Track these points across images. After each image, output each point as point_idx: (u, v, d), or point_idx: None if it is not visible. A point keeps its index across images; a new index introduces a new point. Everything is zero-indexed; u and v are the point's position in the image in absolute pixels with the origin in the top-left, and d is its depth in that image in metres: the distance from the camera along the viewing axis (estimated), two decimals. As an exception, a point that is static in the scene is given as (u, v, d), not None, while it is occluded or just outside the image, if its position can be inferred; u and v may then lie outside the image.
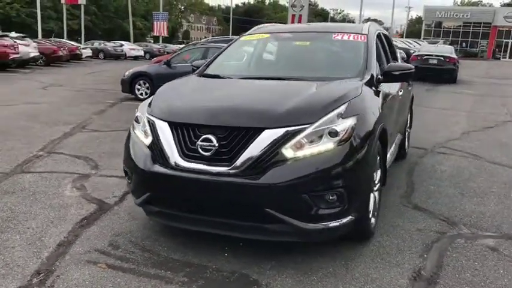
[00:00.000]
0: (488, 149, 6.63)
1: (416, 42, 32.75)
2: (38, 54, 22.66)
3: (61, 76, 18.35)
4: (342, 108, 3.05)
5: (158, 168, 3.04)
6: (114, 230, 3.57)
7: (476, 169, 5.54)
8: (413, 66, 4.00)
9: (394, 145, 4.74)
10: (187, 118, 3.11)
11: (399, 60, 5.60)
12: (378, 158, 3.50)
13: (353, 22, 55.57)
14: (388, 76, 3.89)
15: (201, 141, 2.95)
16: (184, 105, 3.29)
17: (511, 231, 3.72)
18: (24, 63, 21.38)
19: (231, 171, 2.87)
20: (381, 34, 4.84)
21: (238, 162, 2.86)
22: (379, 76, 3.90)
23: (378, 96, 3.72)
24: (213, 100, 3.35)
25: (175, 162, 3.00)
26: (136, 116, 3.42)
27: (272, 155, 2.85)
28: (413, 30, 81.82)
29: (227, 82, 3.89)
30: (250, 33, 4.77)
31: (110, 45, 35.62)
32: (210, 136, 2.93)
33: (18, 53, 20.04)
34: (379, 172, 3.60)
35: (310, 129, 2.90)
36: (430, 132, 7.76)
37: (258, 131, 2.89)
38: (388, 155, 4.29)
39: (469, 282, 2.91)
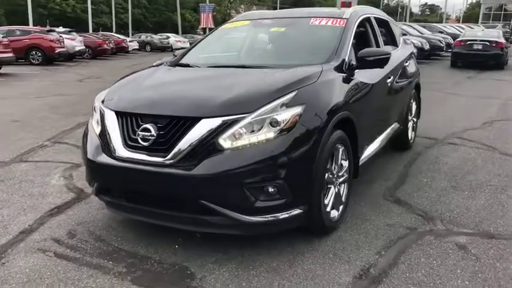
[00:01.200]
0: (506, 140, 6.19)
1: (470, 27, 31.18)
2: (83, 47, 23.56)
3: (102, 69, 18.94)
4: (287, 97, 2.92)
5: (103, 158, 3.04)
6: (79, 219, 3.62)
7: (483, 161, 5.18)
8: (389, 52, 3.77)
9: (383, 135, 4.52)
10: (130, 107, 3.08)
11: (399, 47, 5.31)
12: (342, 148, 3.33)
13: (405, 8, 53.50)
14: (362, 62, 3.68)
15: (141, 130, 2.92)
16: (132, 94, 3.27)
17: (490, 228, 3.44)
18: (70, 57, 22.27)
19: (166, 161, 2.82)
20: (371, 19, 4.59)
21: (174, 152, 2.80)
22: (353, 62, 3.70)
23: (348, 83, 3.53)
24: (161, 89, 3.31)
25: (117, 152, 2.98)
26: (93, 106, 3.43)
27: (208, 146, 2.77)
28: (472, 14, 78.03)
29: (189, 71, 3.82)
30: (232, 21, 4.67)
31: (156, 38, 36.41)
32: (148, 126, 2.89)
33: (63, 47, 20.89)
34: (345, 163, 3.43)
35: (248, 119, 2.79)
36: (450, 121, 7.35)
37: (195, 120, 2.82)
38: (369, 146, 4.09)
39: (418, 282, 2.71)
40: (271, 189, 2.80)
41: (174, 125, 2.85)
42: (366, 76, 3.87)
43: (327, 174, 3.15)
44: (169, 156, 2.81)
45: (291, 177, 2.83)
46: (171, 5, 57.14)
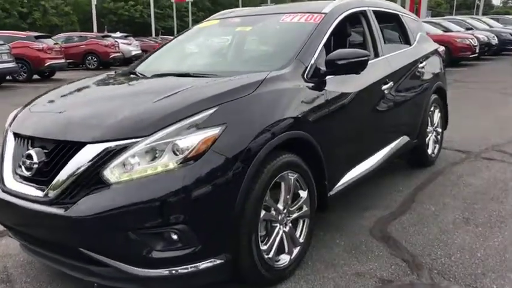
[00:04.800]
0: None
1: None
2: (139, 51, 23.92)
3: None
4: (200, 116, 2.28)
5: (-7, 188, 2.57)
6: (6, 251, 3.20)
7: (519, 184, 4.20)
8: (367, 54, 2.99)
9: (379, 154, 3.72)
10: (23, 128, 2.59)
11: (412, 45, 4.44)
12: (294, 177, 2.64)
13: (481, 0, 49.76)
14: (332, 67, 2.94)
15: (26, 157, 2.40)
16: (36, 111, 2.77)
17: (493, 286, 2.58)
18: (126, 61, 22.68)
19: (43, 197, 2.28)
20: (367, 13, 3.79)
21: (52, 185, 2.26)
22: (322, 67, 2.98)
23: (310, 94, 2.83)
24: (68, 106, 2.77)
25: (6, 183, 2.50)
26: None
27: (91, 178, 2.19)
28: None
29: (122, 83, 3.25)
30: (206, 20, 4.07)
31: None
32: (32, 151, 2.37)
33: (118, 52, 21.32)
34: (303, 194, 2.73)
35: (142, 145, 2.19)
36: (496, 130, 6.25)
37: (81, 146, 2.26)
38: (353, 170, 3.34)
39: None
40: (172, 236, 2.18)
41: (58, 152, 2.32)
42: (345, 83, 3.14)
43: (263, 212, 2.47)
44: (46, 191, 2.27)
45: (198, 221, 2.20)
46: (234, 5, 57.40)
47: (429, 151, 4.67)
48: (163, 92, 2.55)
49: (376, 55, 3.75)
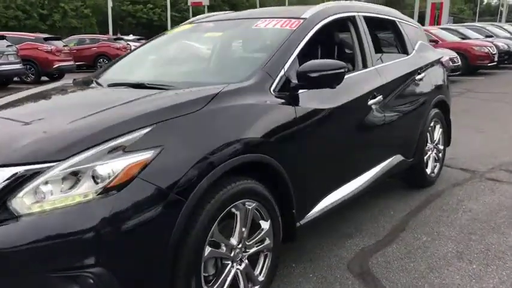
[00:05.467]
0: None
1: None
2: (152, 54, 23.79)
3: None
4: (128, 138, 1.95)
5: None
6: None
7: (526, 210, 3.76)
8: (343, 66, 2.62)
9: (365, 175, 3.34)
10: None
11: (410, 54, 4.04)
12: (253, 205, 2.29)
13: (505, 6, 48.65)
14: (304, 79, 2.58)
15: None
16: None
17: None
18: (139, 64, 22.60)
19: None
20: (356, 19, 3.42)
21: None
22: (292, 79, 2.63)
23: (276, 110, 2.48)
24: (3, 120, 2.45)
25: None
26: None
27: (-4, 208, 1.87)
28: None
29: (72, 93, 2.92)
30: (182, 24, 3.74)
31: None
32: None
33: (130, 55, 21.20)
34: (265, 225, 2.39)
35: (56, 170, 1.86)
36: (504, 147, 5.77)
37: None
38: (330, 196, 2.97)
39: None
40: (88, 281, 1.84)
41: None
42: (322, 98, 2.77)
43: (209, 249, 2.12)
44: None
45: (120, 263, 1.86)
46: (253, 7, 57.20)
47: (428, 170, 4.26)
48: (98, 106, 2.22)
49: (365, 66, 3.38)
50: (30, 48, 14.75)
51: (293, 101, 2.59)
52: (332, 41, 3.44)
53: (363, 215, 3.66)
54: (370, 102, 3.21)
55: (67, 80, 3.40)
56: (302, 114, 2.60)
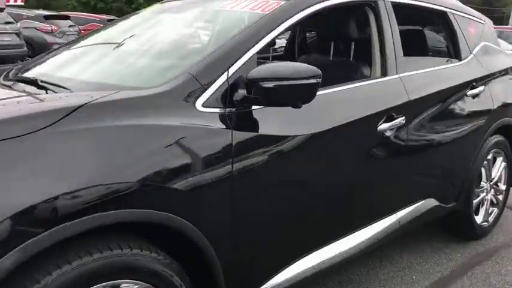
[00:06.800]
0: None
1: None
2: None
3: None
4: None
5: None
6: None
7: None
8: (316, 73, 1.63)
9: (369, 229, 2.34)
10: None
11: (464, 59, 2.92)
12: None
13: None
14: (256, 91, 1.64)
15: None
16: None
17: None
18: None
19: None
20: (378, 4, 2.39)
21: None
22: (239, 89, 1.70)
23: (193, 137, 1.57)
24: None
25: None
26: None
27: None
28: None
29: None
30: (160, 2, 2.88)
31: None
32: None
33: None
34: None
35: None
36: None
37: None
38: (302, 262, 2.05)
39: None
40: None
41: None
42: (291, 118, 1.83)
43: None
44: None
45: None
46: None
47: (479, 219, 3.13)
48: None
49: (384, 73, 2.35)
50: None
51: (233, 122, 1.66)
52: (334, 35, 2.46)
53: (374, 279, 2.66)
54: (382, 126, 2.19)
55: None
56: (245, 144, 1.68)
